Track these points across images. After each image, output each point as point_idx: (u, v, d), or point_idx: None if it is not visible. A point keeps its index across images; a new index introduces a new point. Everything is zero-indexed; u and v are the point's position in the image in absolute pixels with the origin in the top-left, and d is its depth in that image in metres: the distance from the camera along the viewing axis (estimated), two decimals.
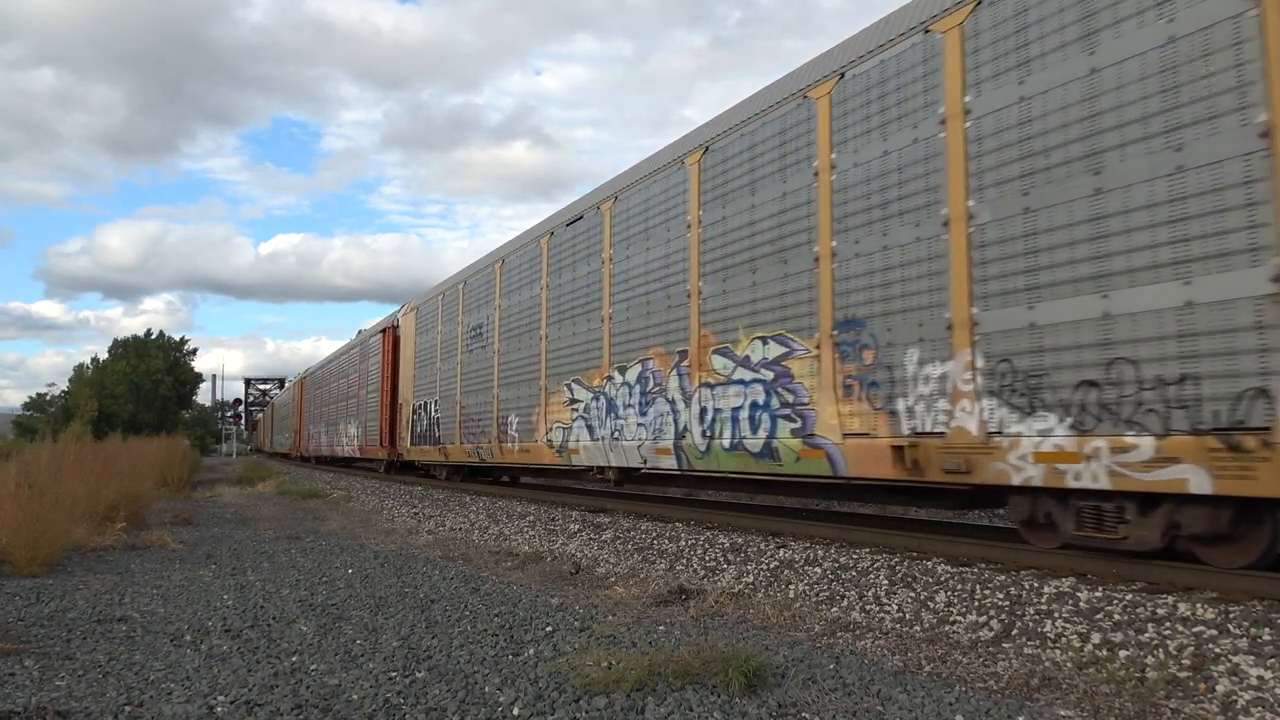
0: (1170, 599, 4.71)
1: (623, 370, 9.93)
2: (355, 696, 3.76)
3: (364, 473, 25.75)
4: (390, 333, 21.26)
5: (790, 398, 7.36)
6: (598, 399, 10.44)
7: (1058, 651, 4.30)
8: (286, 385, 54.64)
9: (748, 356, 7.91)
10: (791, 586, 6.06)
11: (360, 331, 30.69)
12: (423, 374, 17.76)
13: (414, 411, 18.15)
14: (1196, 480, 4.56)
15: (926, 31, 6.38)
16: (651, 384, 9.33)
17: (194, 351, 76.62)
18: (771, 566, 6.65)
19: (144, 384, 67.80)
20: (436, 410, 16.66)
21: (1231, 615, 4.33)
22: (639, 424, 9.54)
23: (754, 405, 7.76)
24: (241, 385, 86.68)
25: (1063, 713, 3.51)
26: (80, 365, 70.09)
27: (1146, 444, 4.78)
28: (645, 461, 9.43)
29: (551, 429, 11.66)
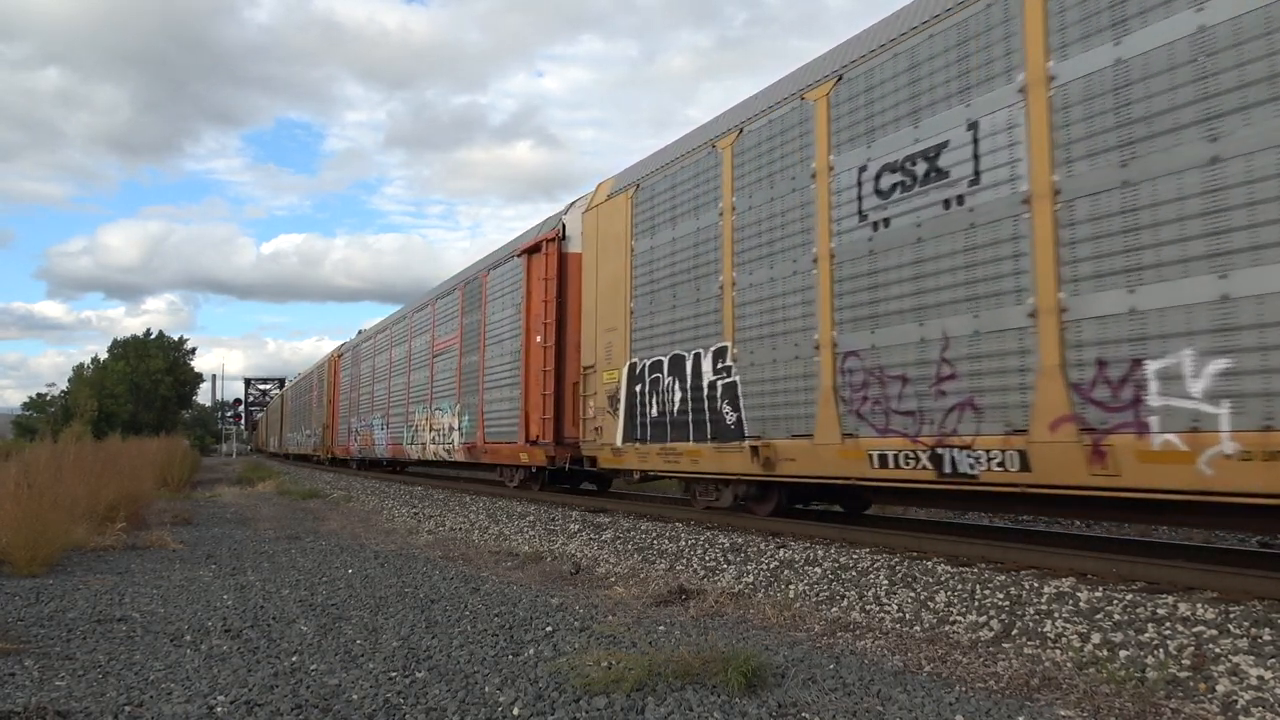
0: (1170, 599, 4.72)
1: None
2: (355, 696, 3.76)
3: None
4: (550, 249, 12.13)
5: None
6: None
7: (1058, 651, 4.30)
8: (288, 384, 54.17)
9: None
10: (791, 586, 6.06)
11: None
12: (654, 305, 9.78)
13: (630, 380, 10.15)
14: None
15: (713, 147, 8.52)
16: None
17: (194, 351, 76.80)
18: (771, 566, 6.65)
19: (144, 384, 67.82)
20: (721, 370, 8.61)
21: (1231, 615, 4.33)
22: None
23: None
24: (241, 385, 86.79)
25: (1063, 713, 3.51)
26: (80, 365, 70.17)
27: None
28: None
29: None
